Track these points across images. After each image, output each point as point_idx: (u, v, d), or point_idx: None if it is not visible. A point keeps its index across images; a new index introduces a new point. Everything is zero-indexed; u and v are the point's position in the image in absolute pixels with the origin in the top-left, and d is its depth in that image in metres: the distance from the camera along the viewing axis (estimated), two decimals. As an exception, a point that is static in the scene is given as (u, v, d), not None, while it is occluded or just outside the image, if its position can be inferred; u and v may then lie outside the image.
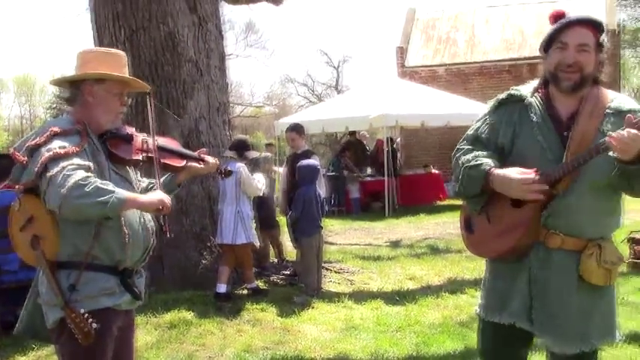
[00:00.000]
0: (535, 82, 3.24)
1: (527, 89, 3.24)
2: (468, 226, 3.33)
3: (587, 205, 3.00)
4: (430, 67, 23.06)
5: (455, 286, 8.07)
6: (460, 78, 22.67)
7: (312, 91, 51.96)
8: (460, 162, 3.21)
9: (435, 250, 11.01)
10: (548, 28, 3.13)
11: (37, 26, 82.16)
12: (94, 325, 2.95)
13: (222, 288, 7.62)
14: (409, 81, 21.03)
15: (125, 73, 3.35)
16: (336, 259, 10.13)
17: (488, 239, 3.19)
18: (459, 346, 5.85)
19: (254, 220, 8.07)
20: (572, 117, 3.06)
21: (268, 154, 11.44)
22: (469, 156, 3.18)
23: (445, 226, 14.22)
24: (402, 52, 23.40)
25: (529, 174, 2.95)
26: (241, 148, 7.98)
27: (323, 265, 8.58)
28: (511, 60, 22.30)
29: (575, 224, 3.01)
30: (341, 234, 13.91)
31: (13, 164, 3.13)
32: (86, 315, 2.95)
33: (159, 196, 3.18)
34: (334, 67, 51.46)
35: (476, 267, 8.99)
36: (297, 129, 8.93)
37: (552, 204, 3.01)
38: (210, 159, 3.63)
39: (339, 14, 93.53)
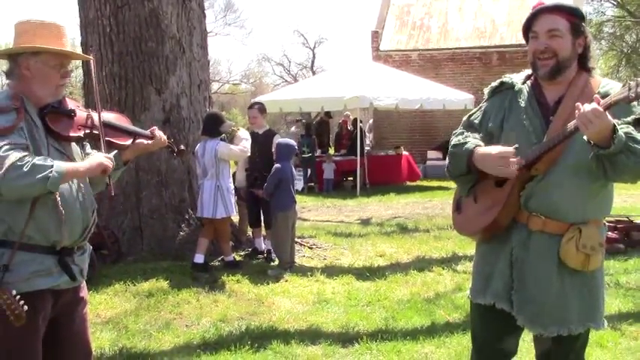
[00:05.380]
0: (527, 71, 3.25)
1: (519, 77, 3.26)
2: (457, 207, 3.36)
3: (567, 188, 2.97)
4: (404, 51, 23.19)
5: (423, 264, 8.25)
6: (432, 63, 22.85)
7: (288, 70, 52.13)
8: (451, 144, 3.27)
9: (404, 229, 11.19)
10: (517, 17, 3.22)
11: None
12: (25, 308, 2.87)
13: (199, 258, 7.79)
14: (383, 64, 21.24)
15: (64, 44, 3.12)
16: (309, 234, 10.30)
17: (472, 218, 3.22)
18: (425, 321, 6.02)
19: (233, 193, 8.17)
20: (559, 102, 3.06)
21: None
22: (459, 137, 3.24)
23: (414, 206, 14.50)
24: (376, 36, 23.50)
25: (507, 151, 2.97)
26: (213, 125, 7.95)
27: (296, 240, 8.76)
28: (482, 48, 22.55)
29: (554, 206, 2.99)
30: (313, 210, 14.10)
31: None
32: (18, 297, 2.87)
33: (97, 159, 3.09)
34: (310, 48, 51.56)
35: (443, 246, 9.33)
36: (260, 107, 8.95)
37: (530, 185, 3.02)
38: (159, 135, 3.51)
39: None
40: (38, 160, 2.82)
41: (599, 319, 3.12)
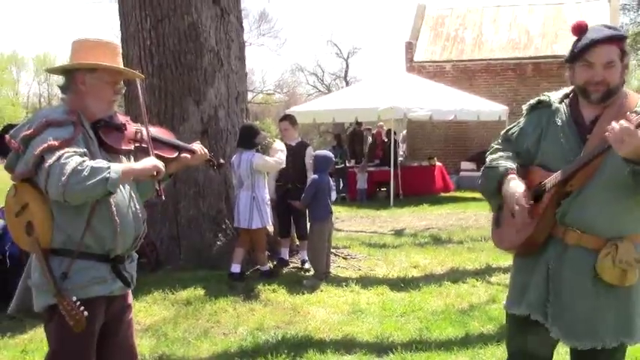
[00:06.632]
0: (566, 89, 3.27)
1: (556, 95, 3.29)
2: (497, 221, 3.41)
3: (603, 204, 2.99)
4: (438, 62, 23.23)
5: (457, 276, 8.24)
6: (466, 74, 22.85)
7: (321, 80, 52.32)
8: (486, 161, 3.36)
9: (437, 241, 11.17)
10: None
11: (60, 6, 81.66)
12: (85, 313, 2.98)
13: (236, 268, 7.89)
14: (417, 75, 21.28)
15: (118, 62, 3.31)
16: (343, 245, 10.34)
17: (509, 233, 3.26)
18: (459, 332, 6.03)
19: (269, 204, 8.25)
20: (595, 121, 3.07)
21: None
22: (494, 155, 3.33)
23: (447, 217, 14.48)
24: (410, 47, 23.56)
25: (521, 199, 3.05)
26: (248, 137, 8.07)
27: (331, 250, 8.78)
28: (516, 59, 22.54)
29: (590, 222, 3.01)
30: (347, 221, 14.12)
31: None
32: (78, 303, 2.98)
33: (152, 162, 3.24)
34: (343, 58, 51.74)
35: (477, 258, 9.30)
36: (291, 120, 9.10)
37: (566, 201, 3.04)
38: (200, 150, 3.62)
39: (350, 7, 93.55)
40: (95, 163, 2.95)
41: (635, 334, 3.11)
